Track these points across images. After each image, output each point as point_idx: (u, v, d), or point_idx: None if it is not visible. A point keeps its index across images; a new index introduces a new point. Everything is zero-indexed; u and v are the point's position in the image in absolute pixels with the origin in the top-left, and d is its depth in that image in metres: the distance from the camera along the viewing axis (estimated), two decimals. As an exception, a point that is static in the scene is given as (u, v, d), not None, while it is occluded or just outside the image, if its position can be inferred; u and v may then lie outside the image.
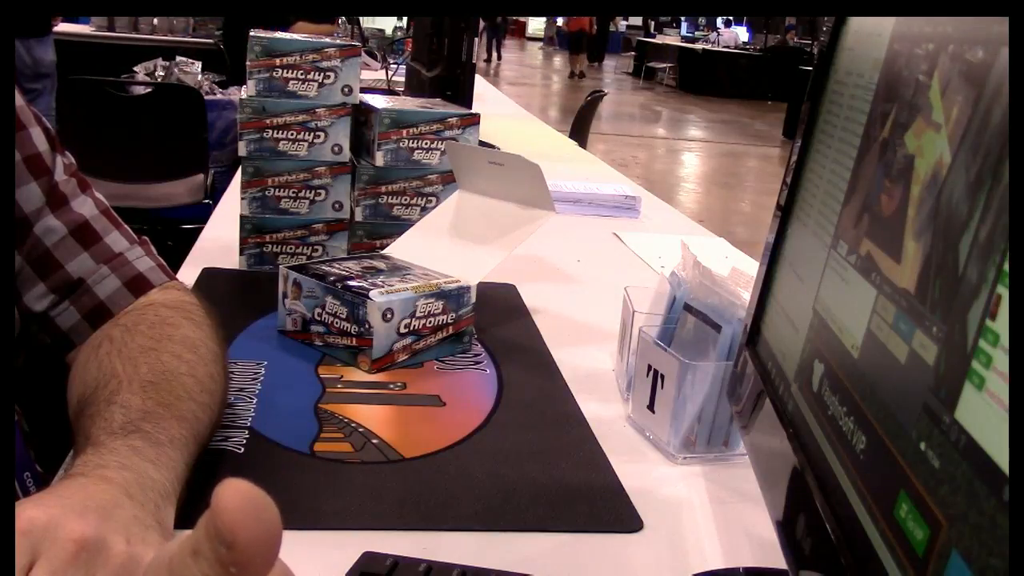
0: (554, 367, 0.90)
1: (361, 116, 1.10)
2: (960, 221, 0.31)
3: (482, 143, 1.20)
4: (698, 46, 16.02)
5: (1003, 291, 0.28)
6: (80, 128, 2.69)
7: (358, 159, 1.11)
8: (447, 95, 1.60)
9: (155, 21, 4.69)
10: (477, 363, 0.90)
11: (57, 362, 0.71)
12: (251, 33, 1.05)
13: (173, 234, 2.67)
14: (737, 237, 3.67)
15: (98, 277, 0.71)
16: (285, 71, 1.04)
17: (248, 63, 1.04)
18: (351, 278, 0.87)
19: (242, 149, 1.06)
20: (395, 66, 2.85)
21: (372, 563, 0.52)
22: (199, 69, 3.45)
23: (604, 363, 0.93)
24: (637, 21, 21.83)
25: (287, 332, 0.91)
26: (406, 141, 1.07)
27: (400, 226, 1.04)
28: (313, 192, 1.09)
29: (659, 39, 18.44)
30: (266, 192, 1.08)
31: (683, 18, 20.17)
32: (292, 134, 1.06)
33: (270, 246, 1.10)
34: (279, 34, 1.06)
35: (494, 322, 1.00)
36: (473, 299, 0.91)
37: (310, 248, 1.11)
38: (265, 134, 1.05)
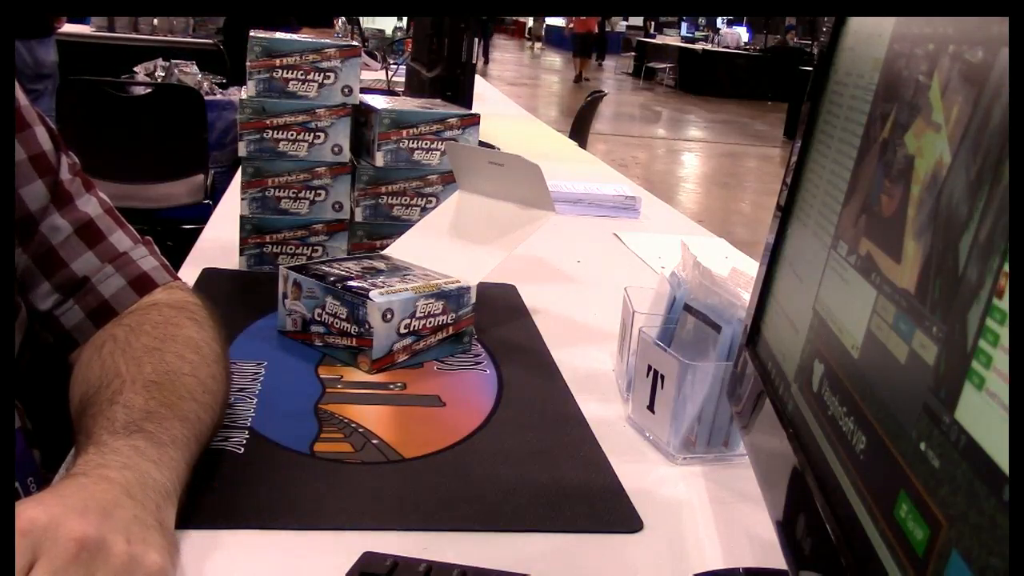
0: (554, 367, 0.90)
1: (361, 116, 1.10)
2: (960, 221, 0.31)
3: (482, 143, 1.20)
4: (698, 46, 16.00)
5: (1004, 285, 0.28)
6: (80, 128, 2.69)
7: (358, 159, 1.11)
8: (447, 95, 1.60)
9: (155, 21, 4.69)
10: (477, 363, 0.90)
11: (60, 361, 0.71)
12: (251, 33, 1.05)
13: (173, 234, 2.67)
14: (737, 237, 3.67)
15: (102, 276, 0.71)
16: (285, 71, 1.04)
17: (248, 63, 1.04)
18: (351, 278, 0.87)
19: (242, 149, 1.06)
20: (395, 66, 2.85)
21: (372, 563, 0.52)
22: (197, 70, 3.45)
23: (604, 363, 0.93)
24: (637, 21, 21.83)
25: (287, 332, 0.91)
26: (406, 141, 1.07)
27: (400, 226, 1.04)
28: (313, 192, 1.09)
29: (659, 39, 18.44)
30: (266, 192, 1.08)
31: (683, 18, 20.17)
32: (292, 134, 1.06)
33: (270, 246, 1.10)
34: (279, 34, 1.06)
35: (494, 322, 1.00)
36: (473, 299, 0.91)
37: (310, 248, 1.11)
38: (265, 134, 1.05)
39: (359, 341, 0.84)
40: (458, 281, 0.90)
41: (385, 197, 1.09)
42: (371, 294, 0.82)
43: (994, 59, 0.31)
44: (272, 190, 1.08)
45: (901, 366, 0.35)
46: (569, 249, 1.35)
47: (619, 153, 7.66)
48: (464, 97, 1.67)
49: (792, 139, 0.57)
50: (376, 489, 0.64)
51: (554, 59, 20.36)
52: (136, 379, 0.61)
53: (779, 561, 0.45)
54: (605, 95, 4.48)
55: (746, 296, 0.69)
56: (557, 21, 23.40)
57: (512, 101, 3.90)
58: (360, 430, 0.73)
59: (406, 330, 0.85)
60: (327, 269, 0.90)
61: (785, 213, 0.56)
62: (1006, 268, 0.27)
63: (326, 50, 1.05)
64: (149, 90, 2.87)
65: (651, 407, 0.75)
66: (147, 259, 0.74)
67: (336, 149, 1.08)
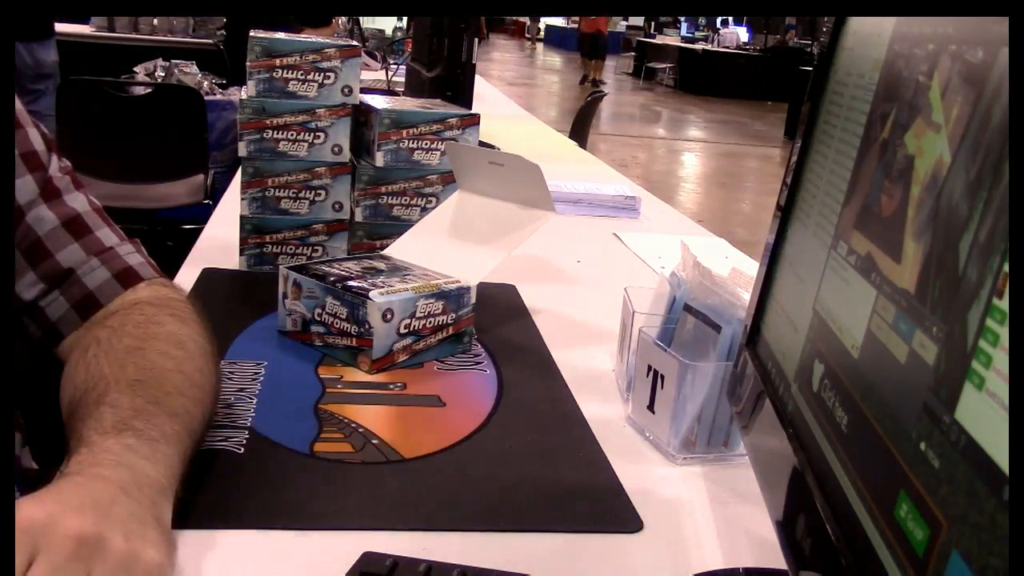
0: (554, 367, 0.90)
1: (361, 116, 1.10)
2: (960, 221, 0.31)
3: (482, 143, 1.20)
4: (698, 46, 15.99)
5: (1004, 285, 0.28)
6: (80, 128, 2.69)
7: (358, 159, 1.11)
8: (447, 95, 1.60)
9: (155, 21, 4.68)
10: (477, 363, 0.89)
11: (51, 359, 0.71)
12: (251, 33, 1.05)
13: (173, 234, 2.67)
14: (737, 237, 3.66)
15: (88, 268, 0.72)
16: (285, 71, 1.04)
17: (248, 63, 1.04)
18: (351, 278, 0.87)
19: (242, 149, 1.06)
20: (395, 66, 2.85)
21: (372, 563, 0.52)
22: (197, 70, 3.45)
23: (604, 363, 0.93)
24: (637, 21, 21.83)
25: (287, 332, 0.91)
26: (406, 141, 1.07)
27: (400, 226, 1.04)
28: (313, 192, 1.09)
29: (659, 39, 18.44)
30: (266, 192, 1.08)
31: (683, 18, 20.17)
32: (292, 134, 1.06)
33: (270, 246, 1.10)
34: (279, 34, 1.06)
35: (494, 322, 1.00)
36: (473, 299, 0.91)
37: (310, 248, 1.11)
38: (265, 134, 1.05)
39: (359, 341, 0.84)
40: (458, 281, 0.90)
41: (385, 197, 1.09)
42: (371, 294, 0.82)
43: (994, 59, 0.31)
44: (272, 190, 1.08)
45: (901, 366, 0.35)
46: (569, 249, 1.35)
47: (619, 153, 7.65)
48: (464, 97, 1.67)
49: (792, 139, 0.57)
50: (376, 489, 0.64)
51: (554, 59, 20.36)
52: (120, 379, 0.61)
53: (779, 561, 0.45)
54: (605, 95, 4.48)
55: (746, 296, 0.69)
56: (557, 21, 23.42)
57: (512, 101, 3.90)
58: (360, 430, 0.73)
59: (406, 330, 0.85)
60: (327, 269, 0.90)
61: (785, 213, 0.56)
62: (1006, 268, 0.27)
63: (326, 50, 1.05)
64: (149, 90, 2.87)
65: (651, 407, 0.75)
66: (133, 255, 0.75)
67: (336, 149, 1.08)
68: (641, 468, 0.72)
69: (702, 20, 19.69)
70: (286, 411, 0.75)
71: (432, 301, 0.87)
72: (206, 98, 2.92)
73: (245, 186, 1.07)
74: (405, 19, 5.53)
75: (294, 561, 0.56)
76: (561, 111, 9.86)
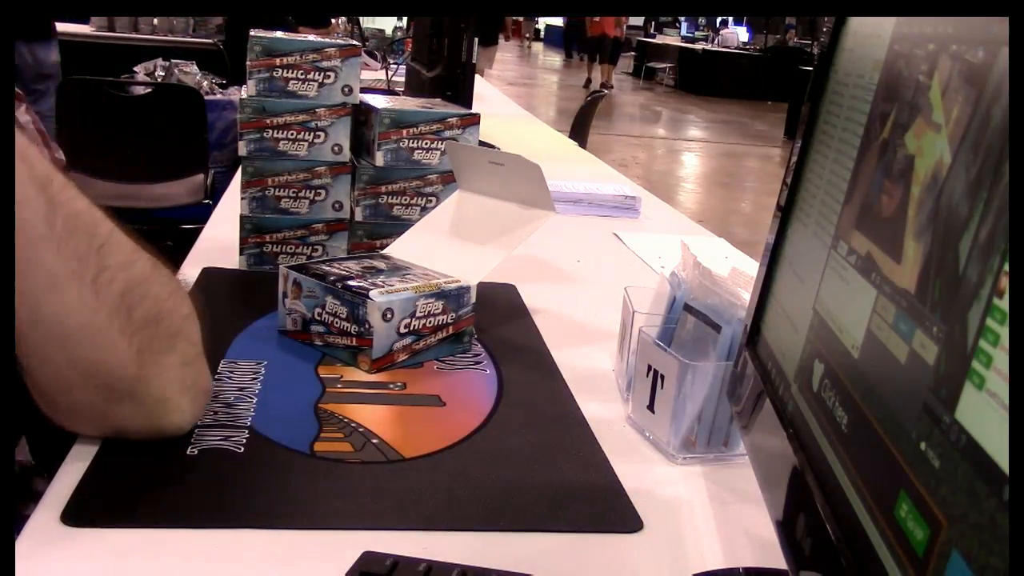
0: (554, 367, 0.90)
1: (361, 116, 1.10)
2: (960, 221, 0.31)
3: (482, 143, 1.20)
4: (698, 46, 15.98)
5: (1004, 286, 0.28)
6: (80, 128, 2.69)
7: (358, 159, 1.11)
8: (447, 95, 1.60)
9: (155, 21, 4.68)
10: (477, 363, 0.90)
11: None
12: (251, 33, 1.05)
13: (173, 234, 2.66)
14: (737, 237, 3.66)
15: None
16: (285, 71, 1.04)
17: (248, 63, 1.04)
18: (351, 278, 0.87)
19: (242, 149, 1.06)
20: (395, 66, 2.85)
21: (372, 563, 0.52)
22: (197, 70, 3.45)
23: (604, 363, 0.93)
24: (637, 21, 21.83)
25: (287, 332, 0.91)
26: (406, 141, 1.07)
27: (400, 226, 1.04)
28: (313, 192, 1.09)
29: (659, 39, 18.44)
30: (266, 192, 1.08)
31: (683, 18, 20.16)
32: (292, 134, 1.06)
33: (270, 246, 1.10)
34: (279, 34, 1.06)
35: (494, 322, 1.00)
36: (473, 299, 0.91)
37: (310, 248, 1.11)
38: (265, 134, 1.05)
39: (359, 341, 0.84)
40: (458, 281, 0.90)
41: (385, 197, 1.09)
42: (371, 293, 0.82)
43: (994, 59, 0.31)
44: (272, 190, 1.08)
45: (901, 366, 0.35)
46: (569, 249, 1.35)
47: (619, 153, 7.65)
48: (464, 97, 1.67)
49: (792, 139, 0.57)
50: (376, 489, 0.64)
51: (554, 59, 20.36)
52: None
53: (779, 561, 0.45)
54: (605, 95, 4.48)
55: (746, 296, 0.69)
56: (556, 21, 23.41)
57: (512, 101, 3.90)
58: (360, 430, 0.73)
59: (406, 330, 0.85)
60: (327, 269, 0.90)
61: (785, 213, 0.56)
62: (1006, 268, 0.27)
63: (326, 50, 1.05)
64: (149, 90, 2.87)
65: (651, 407, 0.75)
66: None
67: (336, 149, 1.08)
68: (641, 468, 0.72)
69: (702, 20, 19.68)
70: (286, 411, 0.75)
71: (432, 301, 0.87)
72: (206, 98, 2.93)
73: (245, 186, 1.07)
74: (405, 19, 5.52)
75: (294, 561, 0.56)
76: (561, 111, 9.86)
